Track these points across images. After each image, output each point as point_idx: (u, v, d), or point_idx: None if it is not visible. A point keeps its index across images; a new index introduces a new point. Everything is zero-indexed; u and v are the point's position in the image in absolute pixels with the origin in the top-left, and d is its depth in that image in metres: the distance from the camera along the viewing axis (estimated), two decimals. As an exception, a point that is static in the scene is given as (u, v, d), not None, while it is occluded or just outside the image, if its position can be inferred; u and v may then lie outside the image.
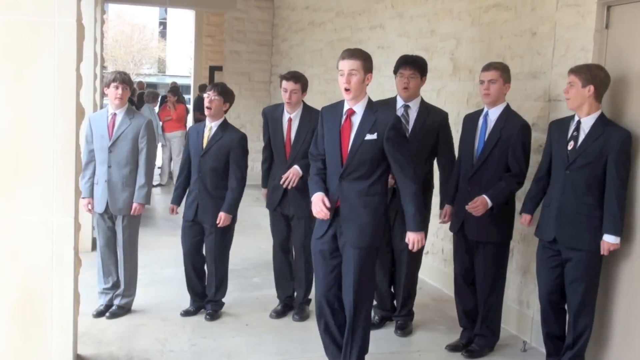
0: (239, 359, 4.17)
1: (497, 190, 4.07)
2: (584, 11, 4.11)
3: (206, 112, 4.67)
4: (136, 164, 4.66)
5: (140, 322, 4.70)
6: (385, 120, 3.51)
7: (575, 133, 3.80)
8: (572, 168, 3.76)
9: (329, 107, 3.74)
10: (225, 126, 4.72)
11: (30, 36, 3.31)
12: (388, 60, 6.35)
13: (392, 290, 4.77)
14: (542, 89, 4.52)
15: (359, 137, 3.53)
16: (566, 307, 3.92)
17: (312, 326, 4.28)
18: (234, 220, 4.76)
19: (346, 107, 3.60)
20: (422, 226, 3.57)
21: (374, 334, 4.22)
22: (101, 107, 6.90)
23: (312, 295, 4.48)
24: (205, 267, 4.89)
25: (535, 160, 4.52)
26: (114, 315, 4.74)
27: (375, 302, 4.57)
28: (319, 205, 3.55)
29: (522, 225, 4.23)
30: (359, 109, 3.57)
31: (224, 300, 4.93)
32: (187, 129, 12.60)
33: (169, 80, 29.23)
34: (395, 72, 4.54)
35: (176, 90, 11.88)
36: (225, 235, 4.76)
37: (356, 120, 3.57)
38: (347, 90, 3.51)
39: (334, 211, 3.59)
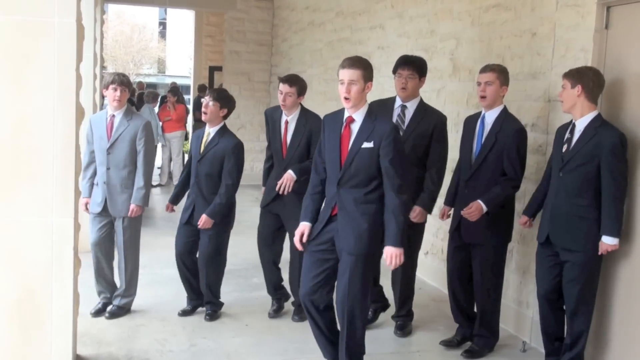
0: (239, 359, 4.17)
1: (492, 195, 4.07)
2: (583, 11, 4.11)
3: (203, 117, 4.70)
4: (135, 166, 4.66)
5: (140, 322, 4.70)
6: (383, 129, 3.52)
7: (569, 135, 3.81)
8: (565, 170, 3.76)
9: (330, 115, 3.77)
10: (222, 132, 4.72)
11: (30, 36, 3.31)
12: (388, 60, 6.35)
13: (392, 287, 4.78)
14: (541, 89, 4.52)
15: (356, 144, 3.55)
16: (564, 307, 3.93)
17: (311, 326, 4.28)
18: (229, 224, 4.78)
19: (346, 114, 3.62)
20: (402, 242, 3.50)
21: (374, 334, 4.24)
22: (101, 108, 6.90)
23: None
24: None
25: (534, 161, 4.53)
26: (114, 316, 4.74)
27: None
28: (298, 236, 3.69)
29: (520, 226, 4.24)
30: (359, 116, 3.58)
31: (223, 300, 4.93)
32: (187, 129, 12.68)
33: (168, 81, 29.21)
34: (394, 72, 4.55)
35: (176, 91, 11.88)
36: (221, 239, 4.76)
37: (355, 128, 3.58)
38: (346, 99, 3.54)
39: (330, 218, 3.63)
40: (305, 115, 4.73)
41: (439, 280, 5.78)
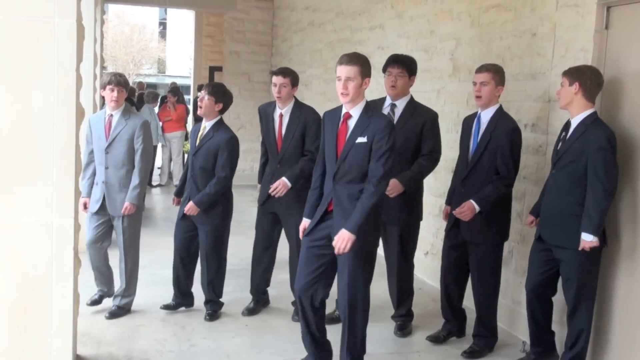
0: (238, 359, 4.17)
1: (484, 194, 4.09)
2: (583, 12, 4.11)
3: (198, 111, 4.74)
4: (133, 165, 4.67)
5: (140, 322, 4.70)
6: (378, 124, 3.53)
7: (563, 133, 3.82)
8: (557, 167, 3.78)
9: (330, 112, 3.79)
10: (218, 126, 4.72)
11: (30, 36, 3.31)
12: (388, 60, 6.34)
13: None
14: (541, 89, 4.52)
15: (351, 140, 3.58)
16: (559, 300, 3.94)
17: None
18: (227, 219, 4.80)
19: (343, 110, 3.65)
20: (358, 230, 3.47)
21: (374, 334, 4.22)
22: (101, 108, 6.90)
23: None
24: (199, 264, 4.89)
25: (534, 161, 4.53)
26: (114, 316, 4.74)
27: None
28: (301, 232, 3.79)
29: (526, 225, 4.26)
30: (356, 112, 3.61)
31: (223, 300, 4.93)
32: (187, 129, 12.67)
33: (168, 81, 29.21)
34: (384, 70, 4.57)
35: (176, 91, 11.88)
36: (220, 234, 4.77)
37: (352, 123, 3.61)
38: (343, 95, 3.55)
39: (326, 214, 3.65)
40: (300, 108, 4.78)
41: (438, 281, 5.77)
